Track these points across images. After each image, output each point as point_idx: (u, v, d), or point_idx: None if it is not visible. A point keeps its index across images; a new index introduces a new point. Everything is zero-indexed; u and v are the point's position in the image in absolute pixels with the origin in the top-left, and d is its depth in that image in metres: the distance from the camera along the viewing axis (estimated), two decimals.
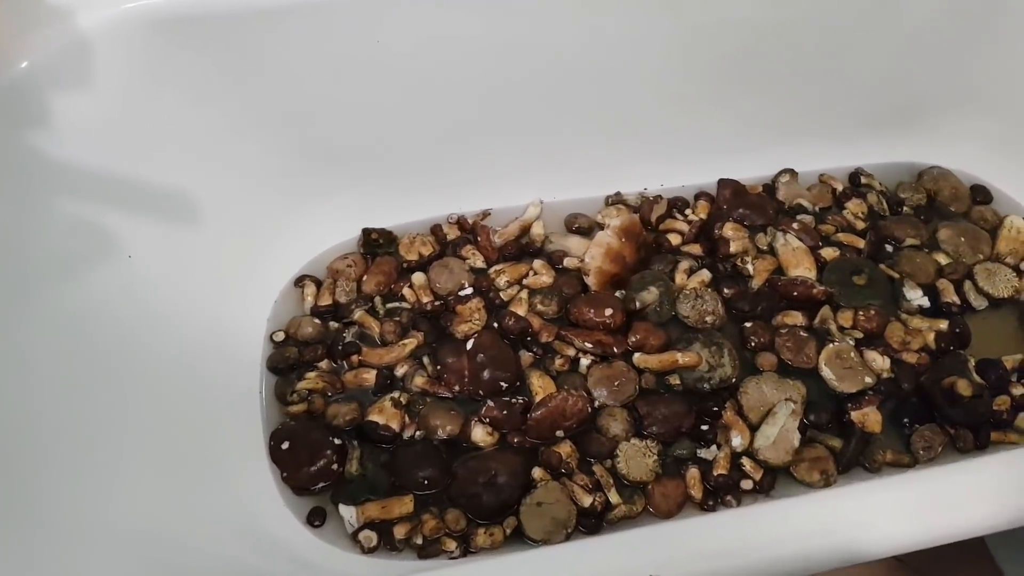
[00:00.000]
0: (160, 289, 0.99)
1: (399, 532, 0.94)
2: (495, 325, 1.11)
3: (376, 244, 1.17)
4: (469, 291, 1.14)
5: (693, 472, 0.99)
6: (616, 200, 1.25)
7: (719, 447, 1.01)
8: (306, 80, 1.02)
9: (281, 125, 1.07)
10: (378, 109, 1.08)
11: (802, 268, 1.15)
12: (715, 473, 0.98)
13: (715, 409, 1.03)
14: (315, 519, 0.96)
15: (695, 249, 1.19)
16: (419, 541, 0.94)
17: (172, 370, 0.98)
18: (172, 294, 1.01)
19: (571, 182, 1.23)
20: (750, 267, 1.16)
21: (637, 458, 0.99)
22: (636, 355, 1.07)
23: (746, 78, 1.16)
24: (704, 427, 1.02)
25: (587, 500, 0.95)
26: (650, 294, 1.11)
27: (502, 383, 1.04)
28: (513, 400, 1.03)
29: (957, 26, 1.18)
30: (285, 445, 1.00)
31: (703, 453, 1.01)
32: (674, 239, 1.19)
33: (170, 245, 1.01)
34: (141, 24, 0.90)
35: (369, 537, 0.94)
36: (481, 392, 1.04)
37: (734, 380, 1.05)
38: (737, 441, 1.00)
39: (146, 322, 0.97)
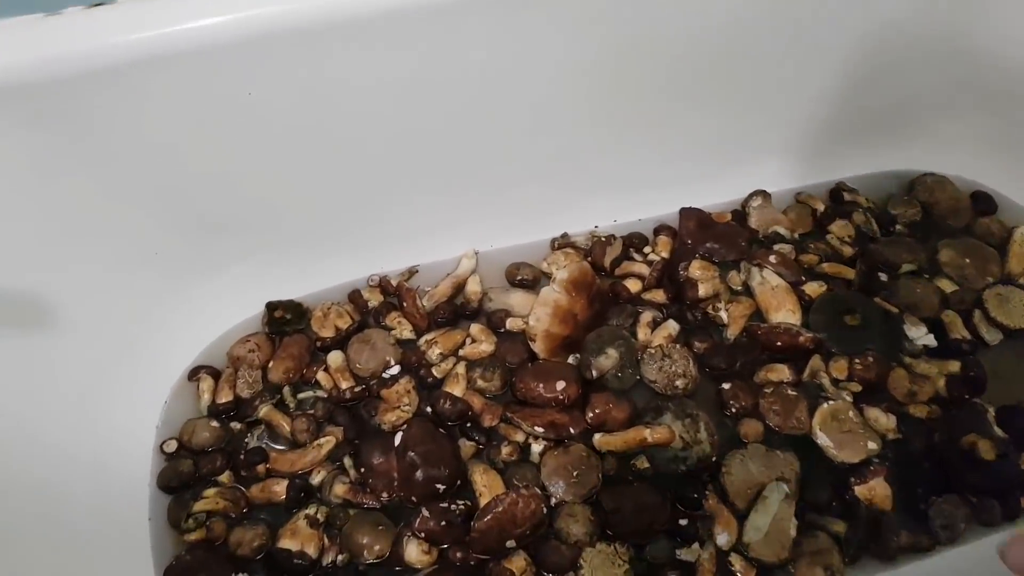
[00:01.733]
0: (10, 411, 0.81)
1: None
2: (428, 410, 0.93)
3: (283, 322, 0.99)
4: (396, 370, 0.96)
5: None
6: (563, 243, 1.07)
7: (702, 545, 0.84)
8: (173, 144, 0.83)
9: (150, 198, 0.88)
10: (266, 167, 0.89)
11: (784, 311, 0.98)
12: None
13: (694, 496, 0.87)
14: None
15: (658, 296, 1.02)
16: None
17: (35, 505, 0.80)
18: (27, 415, 0.83)
19: (510, 226, 1.07)
20: (724, 314, 0.99)
21: (604, 568, 0.83)
22: (596, 436, 0.90)
23: (702, 92, 0.99)
24: (682, 521, 0.86)
25: None
26: (608, 358, 0.94)
27: (439, 485, 0.87)
28: (453, 506, 0.86)
29: (939, 9, 1.00)
30: None
31: (683, 554, 0.84)
32: (633, 285, 1.02)
33: (20, 356, 0.83)
34: None
35: None
36: (414, 498, 0.87)
37: (714, 458, 0.89)
38: (723, 539, 0.83)
39: None
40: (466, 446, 0.91)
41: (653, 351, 0.95)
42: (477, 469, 0.89)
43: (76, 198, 0.83)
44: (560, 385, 0.91)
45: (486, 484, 0.87)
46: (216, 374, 0.97)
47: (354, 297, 1.02)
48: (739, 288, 1.03)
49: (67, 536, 0.81)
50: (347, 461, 0.90)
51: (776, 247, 1.05)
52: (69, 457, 0.85)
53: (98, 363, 0.90)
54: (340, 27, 0.76)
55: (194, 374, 0.96)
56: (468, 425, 0.92)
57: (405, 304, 1.00)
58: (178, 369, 0.97)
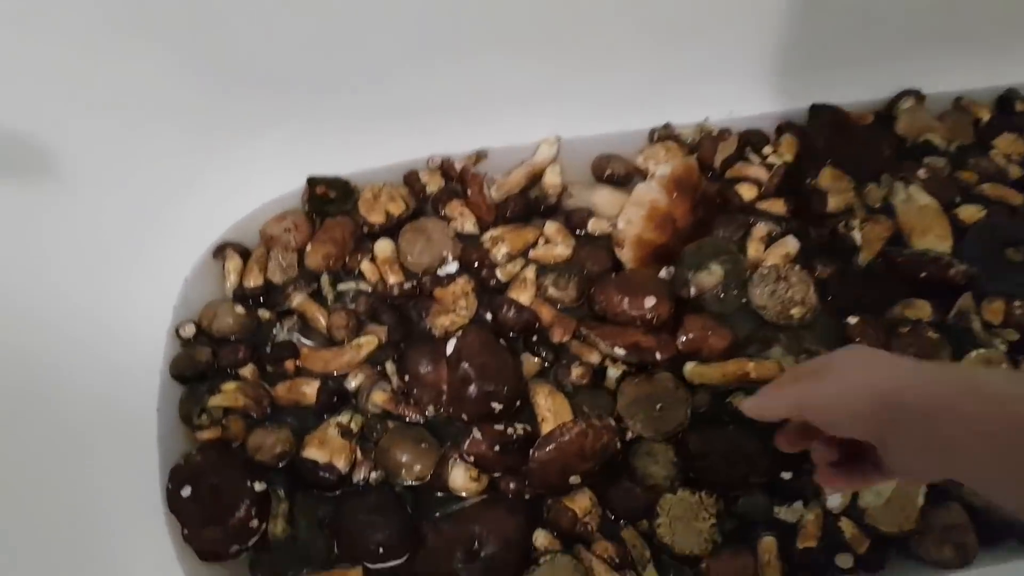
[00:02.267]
0: (7, 277, 0.69)
1: None
2: (488, 317, 0.79)
3: (325, 200, 0.85)
4: (453, 267, 0.83)
5: (768, 543, 0.70)
6: (665, 135, 0.91)
7: (806, 504, 0.71)
8: None
9: (175, 35, 0.73)
10: (316, 10, 0.73)
11: (932, 236, 0.83)
12: (800, 545, 0.69)
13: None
14: None
15: (777, 206, 0.87)
16: None
17: (29, 383, 0.69)
18: (26, 282, 0.71)
19: (601, 109, 0.90)
20: (856, 234, 0.84)
21: (686, 519, 0.70)
22: (689, 365, 0.76)
23: None
24: (785, 474, 0.72)
25: None
26: (711, 275, 0.78)
27: (494, 403, 0.74)
28: (510, 429, 0.72)
29: None
30: (187, 490, 0.72)
31: (782, 514, 0.72)
32: (747, 192, 0.87)
33: (19, 214, 0.70)
34: None
35: None
36: (465, 416, 0.74)
37: None
38: (835, 500, 0.70)
39: None
40: (529, 362, 0.78)
41: (766, 271, 0.79)
42: (541, 391, 0.75)
43: (89, 25, 0.69)
44: (649, 301, 0.76)
45: (551, 408, 0.74)
46: (245, 254, 0.84)
47: (410, 179, 0.87)
48: (877, 205, 0.87)
49: (64, 422, 0.71)
50: (389, 367, 0.77)
51: (927, 160, 0.89)
52: (72, 334, 0.74)
53: (111, 230, 0.78)
54: None
55: (220, 251, 0.84)
56: (534, 339, 0.78)
57: (469, 192, 0.85)
58: (203, 244, 0.85)
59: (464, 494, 0.72)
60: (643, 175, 0.86)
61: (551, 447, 0.69)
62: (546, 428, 0.72)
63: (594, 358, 0.76)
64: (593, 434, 0.70)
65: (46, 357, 0.71)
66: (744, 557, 0.69)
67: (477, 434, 0.72)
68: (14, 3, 0.64)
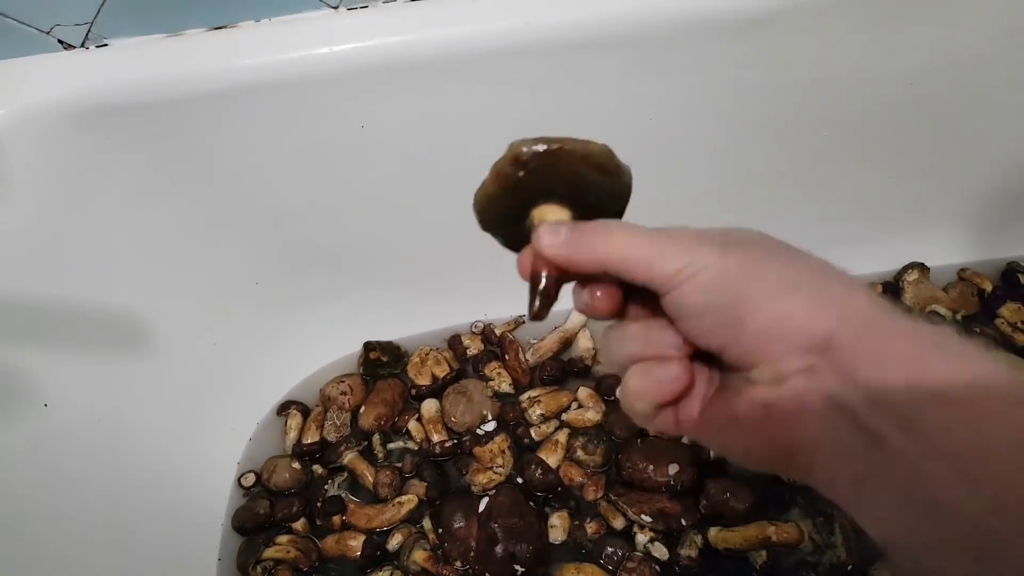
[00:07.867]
0: (87, 439, 0.77)
1: None
2: (518, 479, 0.85)
3: (378, 364, 0.93)
4: (492, 426, 0.89)
5: None
6: None
7: None
8: (277, 172, 0.80)
9: (255, 225, 0.85)
10: (375, 201, 0.85)
11: None
12: None
13: None
14: None
15: None
16: None
17: (100, 538, 0.76)
18: (105, 443, 0.79)
19: None
20: None
21: None
22: (712, 530, 0.79)
23: (863, 148, 0.88)
24: None
25: None
26: None
27: (517, 566, 0.78)
28: None
29: None
30: None
31: None
32: None
33: (102, 383, 0.79)
34: (53, 120, 0.70)
35: None
36: (487, 575, 0.78)
37: (850, 567, 0.75)
38: None
39: (64, 482, 0.75)
40: (559, 518, 0.81)
41: None
42: (567, 570, 0.78)
43: (174, 220, 0.82)
44: (673, 468, 0.81)
45: None
46: (307, 412, 0.92)
47: (454, 343, 0.96)
48: None
49: (132, 560, 0.77)
50: (427, 523, 0.82)
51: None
52: (147, 481, 0.82)
53: (188, 388, 0.88)
54: (456, 61, 0.71)
55: (284, 408, 0.92)
56: (557, 495, 0.83)
57: (507, 356, 0.93)
58: (269, 402, 0.93)
59: None
60: None
61: None
62: None
63: (618, 523, 0.80)
64: None
65: (125, 498, 0.79)
66: None
67: None
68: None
